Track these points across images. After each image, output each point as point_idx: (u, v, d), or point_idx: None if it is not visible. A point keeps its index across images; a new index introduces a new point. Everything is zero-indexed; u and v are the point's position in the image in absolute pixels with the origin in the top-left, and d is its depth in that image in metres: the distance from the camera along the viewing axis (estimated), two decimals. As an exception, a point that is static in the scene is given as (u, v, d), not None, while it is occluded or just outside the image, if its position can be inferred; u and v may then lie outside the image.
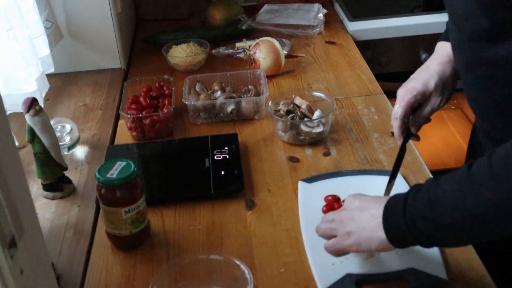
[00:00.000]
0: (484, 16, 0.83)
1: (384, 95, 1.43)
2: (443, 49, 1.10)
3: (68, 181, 1.15)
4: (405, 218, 0.77)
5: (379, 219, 0.80)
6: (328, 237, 0.87)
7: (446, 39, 1.09)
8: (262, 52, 1.51)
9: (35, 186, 1.16)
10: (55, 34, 1.48)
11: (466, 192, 0.72)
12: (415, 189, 0.79)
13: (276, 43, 1.54)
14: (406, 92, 1.07)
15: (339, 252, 0.86)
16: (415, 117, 1.08)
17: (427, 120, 1.09)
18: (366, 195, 0.88)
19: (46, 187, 1.13)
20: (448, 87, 1.08)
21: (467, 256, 0.94)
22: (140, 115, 1.29)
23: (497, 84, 0.88)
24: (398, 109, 1.07)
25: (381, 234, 0.80)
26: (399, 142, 1.08)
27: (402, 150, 1.05)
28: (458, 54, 0.97)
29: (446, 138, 2.02)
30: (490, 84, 0.90)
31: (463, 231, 0.74)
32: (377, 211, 0.81)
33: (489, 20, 0.83)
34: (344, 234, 0.84)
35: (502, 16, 0.81)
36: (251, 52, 1.54)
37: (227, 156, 1.20)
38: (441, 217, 0.74)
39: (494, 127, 0.96)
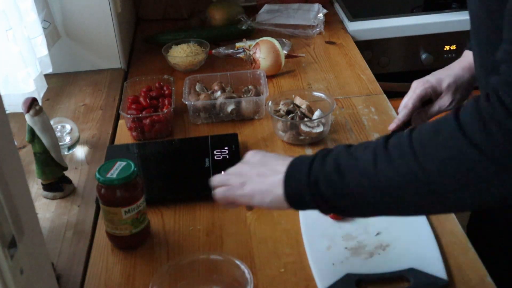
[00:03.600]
0: (492, 21, 0.83)
1: (384, 95, 1.43)
2: (468, 55, 1.11)
3: (68, 181, 1.15)
4: (308, 178, 0.74)
5: (280, 175, 0.77)
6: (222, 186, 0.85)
7: (469, 48, 1.12)
8: (262, 52, 1.51)
9: (35, 186, 1.15)
10: (52, 34, 1.48)
11: (380, 162, 0.69)
12: (323, 152, 0.76)
13: (276, 43, 1.54)
14: (419, 84, 1.10)
15: (228, 200, 0.84)
16: (422, 112, 1.09)
17: (431, 117, 1.10)
18: (269, 152, 0.86)
19: (46, 187, 1.13)
20: (460, 91, 1.09)
21: (467, 256, 0.94)
22: (140, 115, 1.29)
23: None
24: (408, 100, 1.09)
25: (278, 190, 0.77)
26: (391, 128, 1.10)
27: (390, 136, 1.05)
28: (475, 57, 0.96)
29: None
30: None
31: (365, 201, 0.72)
32: (280, 168, 0.78)
33: (496, 25, 0.82)
34: (239, 184, 0.82)
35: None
36: (251, 52, 1.54)
37: (227, 156, 1.20)
38: (347, 183, 0.71)
39: None
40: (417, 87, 1.10)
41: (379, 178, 0.70)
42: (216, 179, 0.87)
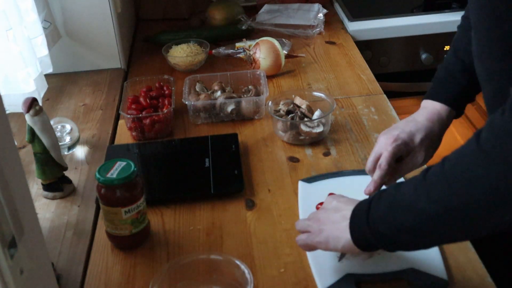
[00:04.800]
0: (497, 27, 0.82)
1: (384, 95, 1.43)
2: (432, 106, 1.04)
3: (68, 181, 1.15)
4: (367, 221, 0.78)
5: (348, 221, 0.82)
6: (304, 232, 0.90)
7: (431, 98, 1.05)
8: (262, 52, 1.51)
9: (35, 186, 1.15)
10: (53, 34, 1.48)
11: (420, 194, 0.72)
12: (379, 193, 0.80)
13: (276, 43, 1.54)
14: (389, 139, 0.99)
15: (309, 247, 0.88)
16: (393, 170, 1.00)
17: (403, 175, 1.03)
18: (345, 196, 0.89)
19: (46, 187, 1.13)
20: (433, 146, 1.03)
21: (467, 256, 0.94)
22: (140, 115, 1.29)
23: None
24: (382, 160, 0.98)
25: (347, 235, 0.81)
26: (366, 192, 0.98)
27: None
28: (478, 63, 0.93)
29: (446, 139, 2.02)
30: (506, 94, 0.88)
31: (420, 233, 0.75)
32: (348, 213, 0.83)
33: (502, 30, 0.81)
34: (317, 230, 0.86)
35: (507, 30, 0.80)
36: (251, 52, 1.54)
37: (227, 156, 1.20)
38: (399, 220, 0.74)
39: None
40: (388, 144, 0.98)
41: (422, 211, 0.72)
42: (299, 225, 0.91)
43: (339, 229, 0.83)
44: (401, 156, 1.00)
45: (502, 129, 0.65)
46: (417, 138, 1.00)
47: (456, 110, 1.04)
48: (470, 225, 0.71)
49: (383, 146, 0.99)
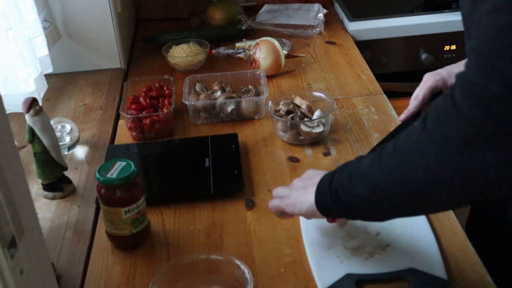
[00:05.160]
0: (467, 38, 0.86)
1: (384, 95, 1.43)
2: None
3: (68, 181, 1.15)
4: (330, 187, 0.83)
5: (315, 187, 0.87)
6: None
7: None
8: (262, 52, 1.51)
9: (35, 186, 1.15)
10: (53, 34, 1.48)
11: (374, 166, 0.77)
12: (345, 163, 0.85)
13: (276, 43, 1.54)
14: (430, 76, 1.15)
15: (278, 211, 0.94)
16: (432, 103, 1.10)
17: None
18: (324, 170, 0.93)
19: (46, 187, 1.13)
20: None
21: (467, 256, 0.94)
22: (140, 115, 1.29)
23: None
24: (419, 91, 1.14)
25: (312, 199, 0.86)
26: (401, 119, 1.15)
27: (400, 126, 1.13)
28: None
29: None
30: None
31: (373, 203, 0.78)
32: (317, 180, 0.87)
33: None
34: (288, 195, 0.92)
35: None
36: (251, 52, 1.54)
37: (227, 156, 1.20)
38: (355, 189, 0.79)
39: None
40: (428, 79, 1.14)
41: (375, 181, 0.76)
42: (275, 191, 0.97)
43: (306, 194, 0.88)
44: (441, 91, 1.12)
45: (443, 113, 0.69)
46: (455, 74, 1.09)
47: None
48: (415, 200, 0.75)
49: (424, 81, 1.14)
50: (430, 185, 0.71)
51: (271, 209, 0.95)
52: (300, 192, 0.90)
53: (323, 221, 1.01)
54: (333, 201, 0.82)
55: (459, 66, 1.12)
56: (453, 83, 0.71)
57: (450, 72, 1.14)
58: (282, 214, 0.94)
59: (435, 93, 1.13)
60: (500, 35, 0.63)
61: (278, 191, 0.96)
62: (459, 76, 0.69)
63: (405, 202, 0.76)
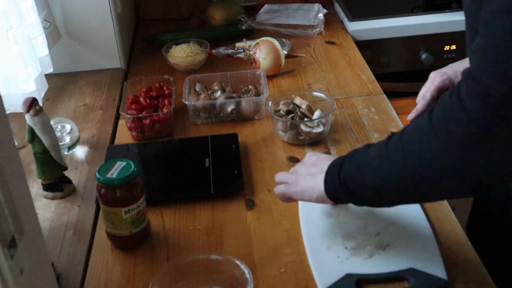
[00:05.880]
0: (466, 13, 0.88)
1: (384, 95, 1.43)
2: None
3: (68, 181, 1.15)
4: (339, 176, 0.86)
5: (323, 174, 0.89)
6: (283, 184, 0.97)
7: None
8: (262, 52, 1.51)
9: (35, 186, 1.15)
10: (53, 34, 1.48)
11: (382, 157, 0.80)
12: (352, 151, 0.87)
13: (276, 43, 1.54)
14: (437, 75, 1.16)
15: (285, 197, 0.96)
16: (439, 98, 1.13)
17: None
18: (324, 154, 0.97)
19: (46, 187, 1.13)
20: None
21: (467, 256, 0.94)
22: (140, 115, 1.29)
23: None
24: (426, 91, 1.16)
25: (321, 187, 0.89)
26: (409, 118, 1.17)
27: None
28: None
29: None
30: None
31: (382, 193, 0.82)
32: (324, 167, 0.90)
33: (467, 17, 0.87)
34: (295, 182, 0.94)
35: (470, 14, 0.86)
36: (251, 52, 1.54)
37: (227, 156, 1.20)
38: (365, 179, 0.82)
39: None
40: (435, 79, 1.16)
41: (383, 173, 0.80)
42: (278, 176, 0.99)
43: (315, 181, 0.90)
44: (448, 89, 1.12)
45: (448, 110, 0.72)
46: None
47: None
48: (421, 190, 0.79)
49: (431, 80, 1.17)
50: (435, 177, 0.75)
51: (278, 195, 0.97)
52: (308, 179, 0.91)
53: (323, 221, 1.01)
54: (343, 190, 0.85)
55: (465, 64, 1.13)
56: (459, 80, 0.72)
57: (456, 71, 1.16)
58: (289, 199, 0.96)
59: (442, 92, 1.14)
60: (508, 36, 0.64)
61: (281, 176, 0.98)
62: (466, 73, 0.70)
63: (412, 192, 0.80)
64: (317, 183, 0.89)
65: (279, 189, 0.96)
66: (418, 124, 0.77)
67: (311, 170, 0.92)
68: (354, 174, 0.84)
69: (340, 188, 0.85)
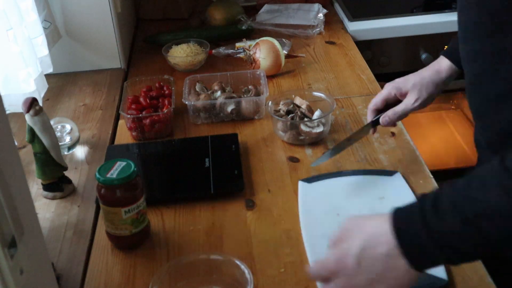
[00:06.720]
0: (479, 7, 0.86)
1: (384, 95, 1.43)
2: (440, 59, 1.14)
3: (68, 181, 1.15)
4: (431, 238, 0.67)
5: (401, 261, 0.69)
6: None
7: (445, 55, 1.13)
8: (262, 52, 1.51)
9: (35, 186, 1.15)
10: (53, 34, 1.48)
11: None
12: (428, 201, 0.69)
13: (276, 43, 1.54)
14: (387, 86, 1.14)
15: None
16: (390, 111, 1.12)
17: (401, 117, 1.12)
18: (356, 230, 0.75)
19: (46, 187, 1.13)
20: (426, 90, 1.10)
21: (467, 256, 0.94)
22: (140, 115, 1.29)
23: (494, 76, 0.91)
24: (372, 102, 1.15)
25: (411, 272, 0.70)
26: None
27: (362, 129, 1.17)
28: (462, 47, 0.99)
29: (446, 138, 2.02)
30: (488, 76, 0.92)
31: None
32: (390, 248, 0.70)
33: (484, 11, 0.86)
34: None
35: (495, 8, 0.84)
36: (251, 52, 1.54)
37: (227, 156, 1.20)
38: (487, 232, 0.65)
39: (487, 126, 0.98)
40: (384, 88, 1.14)
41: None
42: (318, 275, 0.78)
43: (398, 279, 0.70)
44: (399, 100, 1.12)
45: None
46: (410, 82, 1.11)
47: (453, 62, 1.11)
48: None
49: (381, 91, 1.15)
50: None
51: None
52: (388, 286, 0.71)
53: (323, 221, 1.01)
54: (443, 253, 0.68)
55: (417, 72, 1.12)
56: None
57: (406, 79, 1.12)
58: None
59: (391, 102, 1.12)
60: None
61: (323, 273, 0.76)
62: None
63: None
64: (400, 275, 0.70)
65: None
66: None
67: (370, 276, 0.70)
68: (463, 231, 0.65)
69: (440, 252, 0.67)
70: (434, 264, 0.71)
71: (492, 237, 0.65)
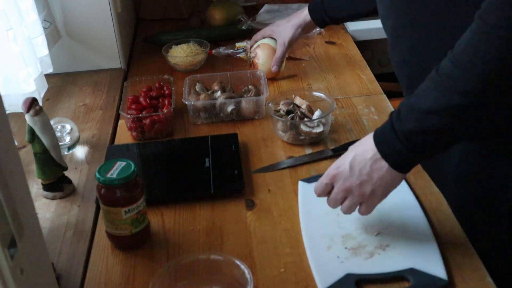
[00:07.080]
0: None
1: (384, 95, 1.43)
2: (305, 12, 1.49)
3: (68, 181, 1.15)
4: (399, 141, 0.85)
5: (382, 161, 0.87)
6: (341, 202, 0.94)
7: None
8: (261, 58, 1.51)
9: (35, 186, 1.16)
10: (53, 34, 1.48)
11: (441, 81, 0.81)
12: (394, 113, 0.87)
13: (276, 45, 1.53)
14: (266, 29, 1.56)
15: (369, 212, 0.93)
16: (273, 61, 1.49)
17: (282, 59, 1.49)
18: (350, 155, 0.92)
19: (46, 187, 1.13)
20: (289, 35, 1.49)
21: (467, 256, 0.94)
22: (140, 115, 1.29)
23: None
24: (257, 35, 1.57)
25: (389, 175, 0.87)
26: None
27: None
28: (387, 19, 1.13)
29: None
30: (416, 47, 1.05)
31: (454, 126, 0.82)
32: (369, 160, 0.88)
33: None
34: (367, 196, 0.90)
35: None
36: (251, 55, 1.54)
37: (227, 156, 1.20)
38: (432, 123, 0.82)
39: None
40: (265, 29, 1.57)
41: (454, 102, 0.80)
42: (329, 200, 0.96)
43: (386, 177, 0.88)
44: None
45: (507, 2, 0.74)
46: (279, 28, 1.52)
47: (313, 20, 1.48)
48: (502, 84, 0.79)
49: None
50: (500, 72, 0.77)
51: (361, 214, 0.93)
52: (379, 183, 0.88)
53: (323, 221, 1.01)
54: (409, 151, 0.85)
55: (288, 19, 1.50)
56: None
57: (277, 25, 1.51)
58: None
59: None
60: None
61: (336, 198, 0.94)
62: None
63: (496, 90, 0.80)
64: (386, 175, 0.87)
65: (345, 210, 0.93)
66: (468, 36, 0.79)
67: (363, 174, 0.89)
68: (419, 126, 0.83)
69: (407, 151, 0.85)
70: (408, 162, 0.87)
71: (438, 126, 0.82)
